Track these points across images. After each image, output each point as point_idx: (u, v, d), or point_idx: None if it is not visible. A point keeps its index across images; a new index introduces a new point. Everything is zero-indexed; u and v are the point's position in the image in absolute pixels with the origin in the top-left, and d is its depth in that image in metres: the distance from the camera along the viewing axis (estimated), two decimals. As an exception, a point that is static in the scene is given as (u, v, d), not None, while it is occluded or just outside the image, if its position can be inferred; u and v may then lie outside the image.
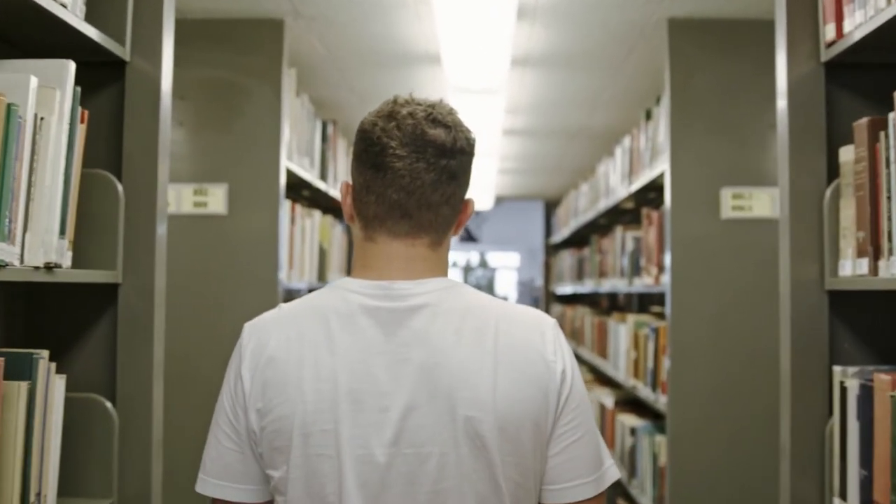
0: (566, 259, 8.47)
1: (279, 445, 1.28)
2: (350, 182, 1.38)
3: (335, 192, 4.85)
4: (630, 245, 4.81)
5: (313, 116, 4.30)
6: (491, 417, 1.26)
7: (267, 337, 1.32)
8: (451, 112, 1.35)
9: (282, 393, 1.28)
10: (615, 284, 5.23)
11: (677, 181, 3.41)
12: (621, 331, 4.90)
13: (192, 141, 3.44)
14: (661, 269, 3.90)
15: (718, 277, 3.36)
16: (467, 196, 1.38)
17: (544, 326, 1.34)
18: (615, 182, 5.35)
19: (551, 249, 10.30)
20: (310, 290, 5.62)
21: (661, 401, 3.78)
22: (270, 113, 3.43)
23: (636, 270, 4.54)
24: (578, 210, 7.36)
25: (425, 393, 1.26)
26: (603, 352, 5.74)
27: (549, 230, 10.68)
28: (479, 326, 1.30)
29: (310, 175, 4.17)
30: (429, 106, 1.33)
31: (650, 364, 4.04)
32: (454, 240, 1.40)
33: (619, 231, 5.15)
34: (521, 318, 1.35)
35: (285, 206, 3.64)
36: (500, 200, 11.42)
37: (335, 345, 1.28)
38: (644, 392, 4.19)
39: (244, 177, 3.41)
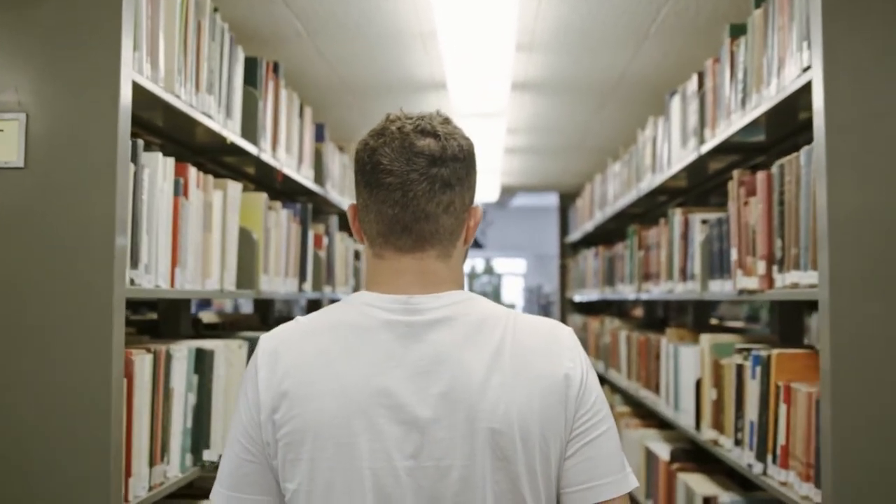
0: (588, 260, 6.95)
1: (295, 458, 1.27)
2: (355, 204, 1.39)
3: (273, 161, 3.35)
4: (700, 233, 3.32)
5: (225, 38, 2.81)
6: (512, 430, 1.25)
7: (285, 348, 1.31)
8: (445, 121, 1.34)
9: (299, 405, 1.27)
10: (673, 289, 3.72)
11: (834, 109, 1.90)
12: (686, 356, 3.42)
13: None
14: (775, 262, 2.41)
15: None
16: (473, 204, 1.38)
17: (560, 334, 1.34)
18: (670, 148, 3.85)
19: (568, 249, 8.70)
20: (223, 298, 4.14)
21: (779, 477, 2.35)
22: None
23: (719, 269, 3.03)
24: (607, 198, 5.86)
25: (444, 406, 1.26)
26: (648, 381, 4.26)
27: (564, 227, 9.09)
28: (494, 338, 1.30)
29: (218, 125, 2.68)
30: (419, 118, 1.33)
31: (752, 414, 2.58)
32: None
33: (676, 216, 3.65)
34: (536, 327, 1.34)
35: (141, 154, 2.14)
36: (507, 191, 9.82)
37: (354, 358, 1.28)
38: (734, 454, 2.75)
39: (55, 103, 1.89)
